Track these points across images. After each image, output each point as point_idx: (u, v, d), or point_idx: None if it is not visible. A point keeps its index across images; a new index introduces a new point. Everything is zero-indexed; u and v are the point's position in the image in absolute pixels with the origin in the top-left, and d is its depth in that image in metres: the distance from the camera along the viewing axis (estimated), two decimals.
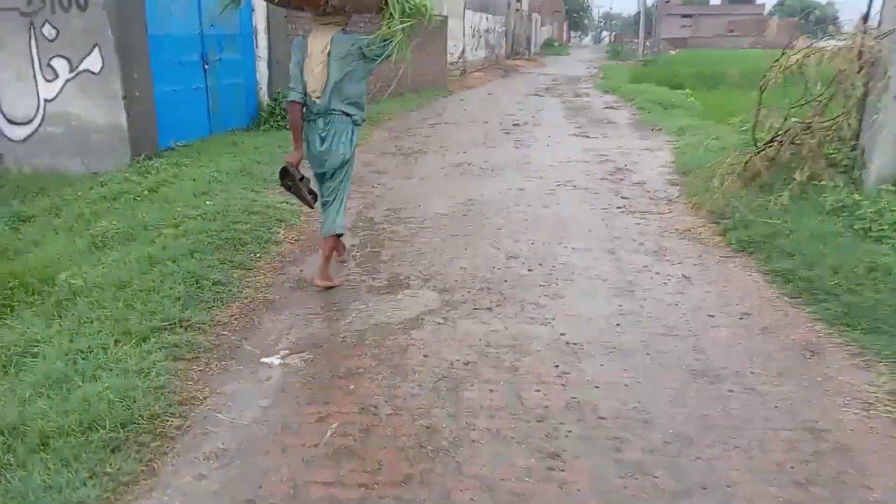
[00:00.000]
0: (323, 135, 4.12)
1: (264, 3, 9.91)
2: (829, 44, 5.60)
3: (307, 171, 4.40)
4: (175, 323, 3.64)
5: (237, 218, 5.36)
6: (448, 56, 23.14)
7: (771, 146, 5.79)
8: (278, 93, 10.31)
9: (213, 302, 4.00)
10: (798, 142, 5.47)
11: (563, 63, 40.24)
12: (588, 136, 10.90)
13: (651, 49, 46.55)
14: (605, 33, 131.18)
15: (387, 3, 3.94)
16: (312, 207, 4.53)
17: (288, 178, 4.30)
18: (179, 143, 8.24)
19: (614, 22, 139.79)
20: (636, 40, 62.39)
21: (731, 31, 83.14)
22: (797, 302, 3.91)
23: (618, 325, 3.69)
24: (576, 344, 3.46)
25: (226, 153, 7.95)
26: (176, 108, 8.38)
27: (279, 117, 10.08)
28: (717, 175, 5.92)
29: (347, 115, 4.12)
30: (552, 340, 3.51)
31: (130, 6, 7.27)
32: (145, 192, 6.21)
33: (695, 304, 3.95)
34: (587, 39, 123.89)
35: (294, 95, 4.09)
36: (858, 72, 5.27)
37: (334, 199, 4.29)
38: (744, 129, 11.01)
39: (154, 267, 4.32)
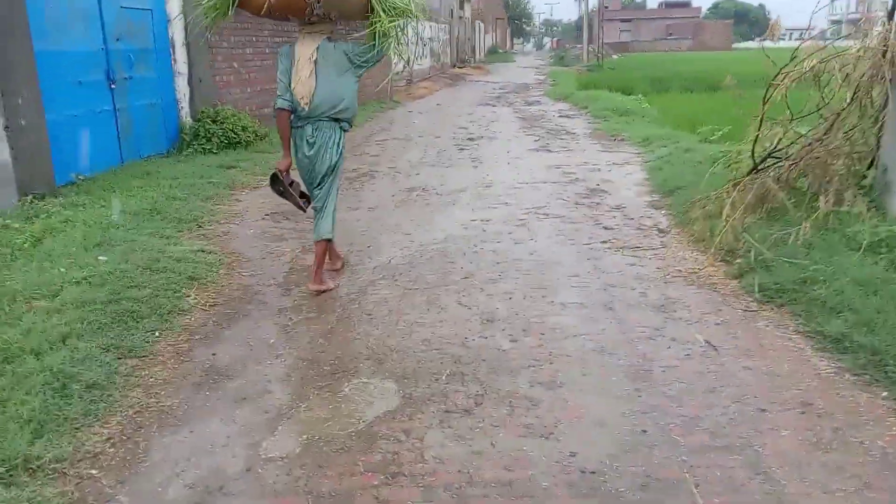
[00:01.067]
0: (311, 140, 4.18)
1: (180, 14, 8.78)
2: (844, 45, 4.77)
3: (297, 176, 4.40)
4: (16, 466, 2.50)
5: (135, 279, 4.20)
6: (393, 66, 22.11)
7: (777, 165, 4.96)
8: (202, 112, 9.10)
9: (83, 419, 2.86)
10: (814, 160, 4.64)
11: (510, 70, 39.71)
12: (549, 150, 10.01)
13: (595, 54, 46.53)
14: (546, 39, 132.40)
15: (372, 9, 4.01)
16: (305, 211, 4.59)
17: (278, 184, 4.41)
18: (82, 177, 6.98)
19: (555, 28, 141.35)
20: (578, 46, 62.63)
21: (670, 34, 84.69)
22: (865, 383, 3.00)
23: (644, 432, 2.71)
24: (593, 473, 2.46)
25: (136, 187, 6.73)
26: (76, 136, 7.12)
27: (203, 139, 8.87)
28: (716, 199, 5.05)
29: (335, 120, 4.18)
30: (561, 468, 2.50)
31: (7, 18, 6.01)
32: (25, 245, 4.96)
33: (736, 390, 3.00)
34: (529, 46, 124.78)
35: (282, 103, 4.15)
36: (880, 78, 4.46)
37: (323, 204, 4.32)
38: (713, 138, 10.38)
39: (6, 365, 3.16)
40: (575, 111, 16.79)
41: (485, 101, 19.55)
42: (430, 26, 28.45)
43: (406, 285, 4.44)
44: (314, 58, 4.05)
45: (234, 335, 3.76)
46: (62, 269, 4.36)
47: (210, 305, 4.14)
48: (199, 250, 5.02)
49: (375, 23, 4.05)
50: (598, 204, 6.51)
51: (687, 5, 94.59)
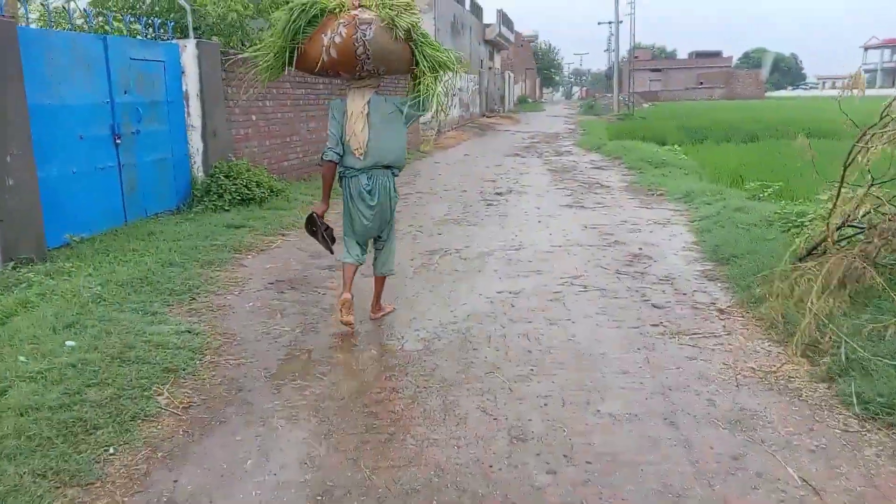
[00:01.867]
0: (369, 188, 4.37)
1: (195, 66, 8.40)
2: None
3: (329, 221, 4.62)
4: None
5: (99, 374, 3.55)
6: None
7: (858, 238, 4.18)
8: (215, 167, 8.62)
9: None
10: None
11: (539, 119, 39.42)
12: (583, 207, 9.31)
13: (625, 103, 46.18)
14: (575, 89, 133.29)
15: (417, 64, 4.25)
16: (332, 254, 4.88)
17: (312, 225, 4.59)
18: (78, 238, 6.45)
19: (584, 77, 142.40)
20: (608, 95, 62.51)
21: (701, 83, 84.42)
22: None
23: None
24: None
25: (132, 250, 6.17)
26: (74, 194, 6.63)
27: (215, 196, 8.37)
28: (786, 275, 4.27)
29: (388, 167, 4.41)
30: None
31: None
32: None
33: None
34: (559, 95, 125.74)
35: (331, 155, 4.35)
36: None
37: (384, 247, 4.69)
38: (763, 195, 9.59)
39: None
40: (608, 162, 16.14)
41: (514, 152, 19.04)
42: (460, 76, 28.33)
43: (419, 381, 3.71)
44: (366, 111, 4.29)
45: (206, 452, 3.05)
46: (21, 359, 3.73)
47: (184, 407, 3.45)
48: (185, 331, 4.37)
49: (420, 76, 4.31)
50: (642, 274, 5.74)
51: (718, 55, 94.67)
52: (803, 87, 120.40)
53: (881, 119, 3.93)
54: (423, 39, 4.26)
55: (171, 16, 9.78)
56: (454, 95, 27.16)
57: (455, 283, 5.65)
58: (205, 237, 6.79)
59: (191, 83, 8.50)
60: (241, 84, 9.37)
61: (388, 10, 4.12)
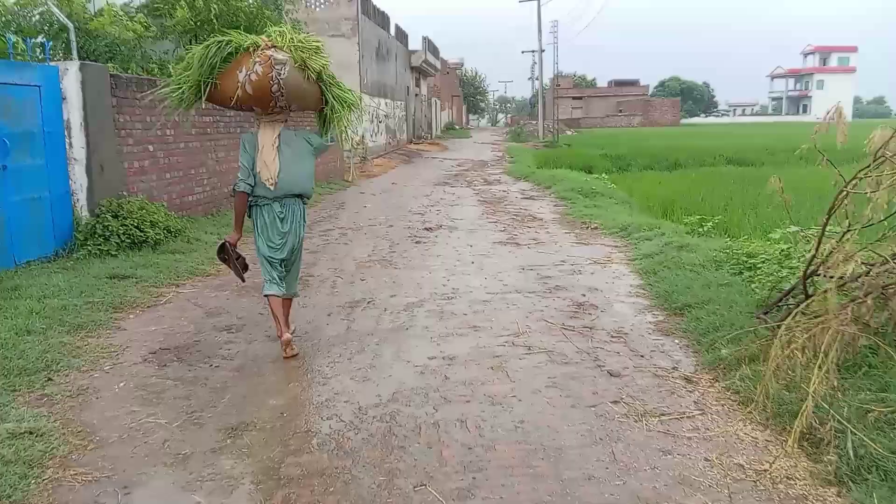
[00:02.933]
0: (282, 216, 4.65)
1: (78, 92, 7.33)
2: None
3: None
4: None
5: None
6: (346, 143, 20.95)
7: (845, 294, 3.61)
8: (101, 206, 7.51)
9: None
10: None
11: (467, 146, 39.19)
12: (518, 244, 8.67)
13: (550, 130, 46.67)
14: (500, 115, 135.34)
15: (326, 102, 4.63)
16: (244, 282, 5.08)
17: (224, 254, 4.78)
18: None
19: (509, 104, 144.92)
20: (533, 122, 63.30)
21: (620, 110, 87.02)
22: None
23: None
24: None
25: None
26: None
27: (101, 239, 7.25)
28: (754, 336, 3.66)
29: (298, 196, 4.71)
30: None
31: None
32: None
33: None
34: (484, 121, 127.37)
35: (243, 186, 4.53)
36: None
37: (290, 269, 4.89)
38: (702, 230, 9.21)
39: None
40: (538, 192, 15.72)
41: (443, 180, 18.42)
42: (385, 103, 27.66)
43: None
44: (276, 144, 4.53)
45: None
46: None
47: None
48: (26, 431, 3.36)
49: (328, 112, 4.66)
50: (591, 329, 5.06)
51: (636, 83, 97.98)
52: (716, 114, 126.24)
53: (875, 160, 3.38)
54: (331, 80, 4.62)
55: (63, 36, 8.67)
56: (380, 122, 26.51)
57: (378, 346, 4.81)
58: (79, 293, 5.70)
59: (73, 111, 7.39)
60: (135, 112, 8.33)
61: (300, 52, 4.39)
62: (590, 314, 5.45)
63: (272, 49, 4.35)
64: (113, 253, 7.18)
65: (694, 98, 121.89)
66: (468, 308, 5.68)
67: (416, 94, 38.85)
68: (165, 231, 7.81)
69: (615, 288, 6.30)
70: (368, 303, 5.94)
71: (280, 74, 4.30)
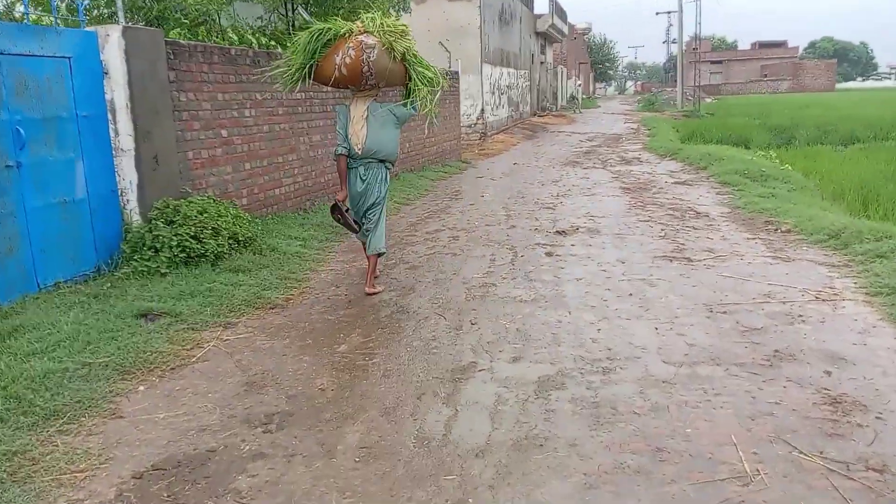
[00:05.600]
0: (364, 177, 5.39)
1: (123, 64, 5.77)
2: None
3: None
4: None
5: None
6: (464, 118, 18.99)
7: None
8: (156, 209, 5.99)
9: None
10: None
11: (595, 117, 36.09)
12: (689, 259, 6.34)
13: (688, 98, 42.28)
14: (629, 83, 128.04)
15: (410, 79, 5.33)
16: (357, 232, 5.60)
17: (337, 213, 5.42)
18: None
19: (639, 71, 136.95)
20: (668, 89, 58.30)
21: (765, 75, 78.98)
22: None
23: None
24: None
25: None
26: None
27: (150, 252, 5.73)
28: None
29: (382, 161, 5.43)
30: None
31: None
32: None
33: None
34: (612, 90, 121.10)
35: (341, 150, 5.33)
36: None
37: (375, 227, 5.51)
38: None
39: None
40: (691, 174, 13.03)
41: (571, 160, 16.03)
42: (508, 73, 25.34)
43: None
44: (366, 115, 5.28)
45: None
46: None
47: None
48: None
49: (413, 88, 5.35)
50: (881, 473, 2.78)
51: (783, 45, 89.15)
52: (875, 77, 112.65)
53: None
54: (415, 60, 5.32)
55: None
56: (502, 94, 24.27)
57: (492, 486, 2.81)
58: (84, 345, 4.11)
59: (118, 89, 5.86)
60: (202, 88, 6.74)
61: (387, 36, 5.12)
62: (860, 426, 3.15)
63: (364, 34, 5.10)
64: (163, 271, 5.63)
65: (850, 60, 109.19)
66: (639, 398, 3.52)
67: (542, 62, 36.09)
68: (232, 240, 6.19)
69: (874, 357, 3.91)
70: (480, 371, 3.94)
71: (370, 57, 5.02)
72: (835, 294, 5.15)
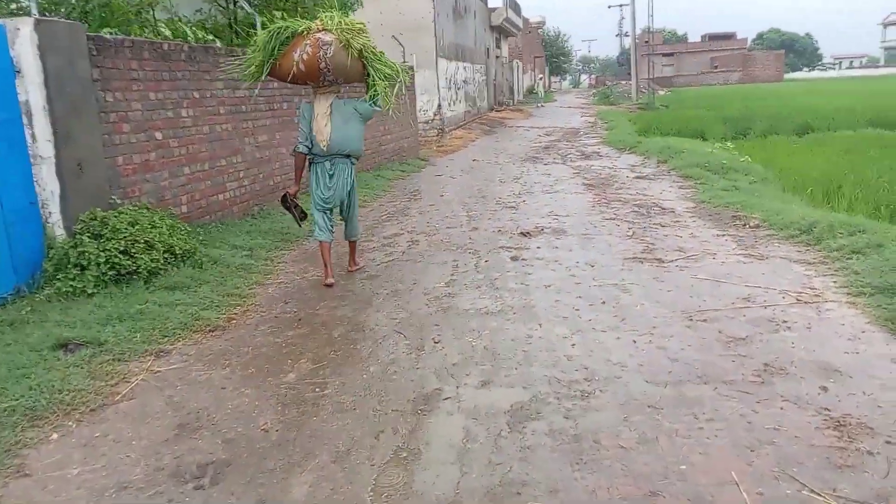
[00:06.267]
0: (330, 172, 5.61)
1: (39, 67, 5.16)
2: None
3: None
4: None
5: None
6: (420, 114, 18.53)
7: None
8: (81, 221, 5.39)
9: None
10: None
11: (553, 112, 35.96)
12: (660, 259, 6.03)
13: (642, 90, 42.54)
14: (584, 77, 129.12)
15: (369, 74, 5.42)
16: (300, 226, 6.29)
17: (286, 203, 5.80)
18: None
19: (592, 65, 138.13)
20: (623, 82, 58.64)
21: (716, 66, 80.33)
22: None
23: None
24: None
25: None
26: None
27: (74, 270, 5.14)
28: None
29: (347, 156, 5.65)
30: None
31: None
32: None
33: None
34: (566, 83, 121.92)
35: (301, 148, 5.55)
36: None
37: (350, 215, 5.91)
38: None
39: None
40: (651, 168, 12.85)
41: (531, 155, 15.72)
42: (464, 67, 24.94)
43: None
44: (329, 112, 5.45)
45: None
46: None
47: None
48: None
49: (372, 84, 5.43)
50: (888, 502, 2.47)
51: (732, 37, 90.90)
52: (820, 67, 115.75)
53: None
54: (373, 56, 5.40)
55: None
56: (459, 89, 23.86)
57: None
58: (28, 367, 3.56)
59: (33, 89, 5.25)
60: (131, 87, 6.16)
61: (344, 33, 5.23)
62: (870, 453, 2.82)
63: (322, 32, 5.23)
64: (90, 291, 5.05)
65: (796, 51, 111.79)
66: (624, 427, 3.15)
67: (498, 57, 35.81)
68: (168, 254, 5.63)
69: (869, 367, 3.62)
70: (445, 400, 3.52)
71: (326, 54, 5.16)
72: (816, 295, 4.88)
